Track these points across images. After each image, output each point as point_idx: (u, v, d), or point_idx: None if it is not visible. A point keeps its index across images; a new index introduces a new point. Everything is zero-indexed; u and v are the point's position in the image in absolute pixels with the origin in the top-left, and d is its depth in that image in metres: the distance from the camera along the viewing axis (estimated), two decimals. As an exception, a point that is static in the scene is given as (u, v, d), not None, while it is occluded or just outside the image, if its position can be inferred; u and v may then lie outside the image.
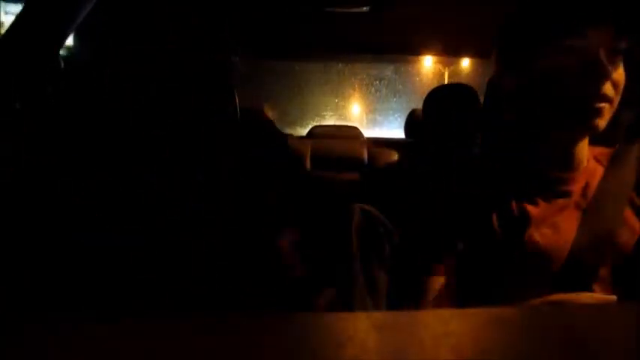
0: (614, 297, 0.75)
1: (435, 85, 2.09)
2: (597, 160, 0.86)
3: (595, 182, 0.82)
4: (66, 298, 0.76)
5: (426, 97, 1.92)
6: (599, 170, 0.84)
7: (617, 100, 0.76)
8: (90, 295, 0.76)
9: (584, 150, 0.84)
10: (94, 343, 0.48)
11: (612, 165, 0.84)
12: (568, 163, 0.83)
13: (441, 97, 1.86)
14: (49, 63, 1.00)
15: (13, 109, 0.94)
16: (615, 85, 0.75)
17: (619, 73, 0.76)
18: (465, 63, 4.82)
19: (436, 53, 2.44)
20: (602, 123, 0.75)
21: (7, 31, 1.00)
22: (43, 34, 0.99)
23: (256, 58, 2.77)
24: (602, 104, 0.74)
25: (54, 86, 1.01)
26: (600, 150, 0.87)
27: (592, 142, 0.86)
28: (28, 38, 0.98)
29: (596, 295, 0.76)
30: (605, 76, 0.73)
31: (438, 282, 0.83)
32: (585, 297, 0.74)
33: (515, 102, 0.84)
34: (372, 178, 2.15)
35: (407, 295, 0.85)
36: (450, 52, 2.32)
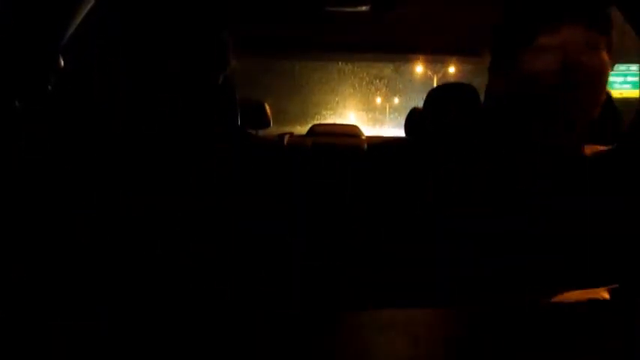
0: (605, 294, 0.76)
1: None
2: (597, 158, 0.86)
3: (593, 180, 0.83)
4: (73, 297, 0.76)
5: (426, 97, 1.93)
6: (598, 168, 0.85)
7: (599, 92, 0.77)
8: (94, 295, 0.76)
9: (581, 148, 0.85)
10: (95, 343, 0.49)
11: (610, 163, 0.85)
12: (565, 162, 0.84)
13: (442, 96, 1.86)
14: (49, 62, 1.00)
15: (13, 108, 0.94)
16: (594, 78, 0.76)
17: (597, 66, 0.77)
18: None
19: (436, 53, 2.44)
20: (579, 116, 0.77)
21: (7, 31, 0.99)
22: (43, 33, 0.99)
23: (256, 58, 2.76)
24: (575, 99, 0.76)
25: (54, 86, 1.01)
26: (599, 148, 0.87)
27: (591, 141, 0.86)
28: (28, 38, 0.98)
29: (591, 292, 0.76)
30: (578, 72, 0.74)
31: None
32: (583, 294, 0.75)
33: (507, 103, 0.85)
34: (370, 173, 2.14)
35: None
36: (450, 51, 2.32)
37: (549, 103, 0.77)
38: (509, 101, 0.84)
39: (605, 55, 0.77)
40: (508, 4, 0.84)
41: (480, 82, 0.99)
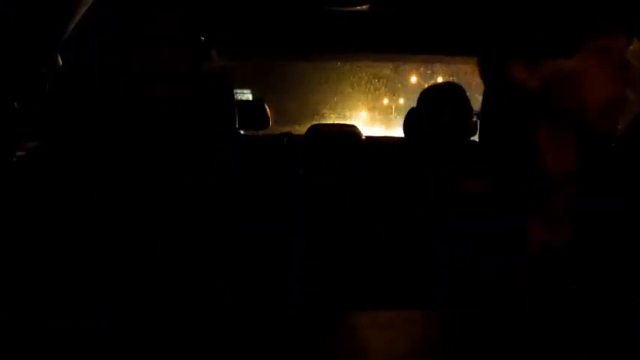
0: None
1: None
2: (597, 158, 0.86)
3: (589, 185, 0.83)
4: (70, 297, 0.76)
5: (419, 97, 1.95)
6: (596, 173, 0.84)
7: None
8: (94, 294, 0.76)
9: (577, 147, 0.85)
10: (93, 343, 0.49)
11: (609, 163, 0.85)
12: (561, 159, 0.84)
13: (435, 96, 1.88)
14: (47, 62, 1.00)
15: (13, 108, 0.94)
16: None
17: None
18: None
19: (436, 53, 2.44)
20: (617, 124, 0.77)
21: (7, 31, 0.99)
22: (41, 33, 0.99)
23: (255, 57, 2.76)
24: (623, 106, 0.75)
25: (53, 86, 1.00)
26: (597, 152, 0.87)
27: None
28: (28, 38, 0.98)
29: None
30: (631, 79, 0.74)
31: None
32: None
33: (525, 100, 0.83)
34: (370, 172, 2.15)
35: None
36: (450, 51, 2.32)
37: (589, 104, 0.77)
38: (529, 99, 0.83)
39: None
40: (561, 4, 0.81)
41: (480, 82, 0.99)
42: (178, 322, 0.60)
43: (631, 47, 0.76)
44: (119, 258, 0.78)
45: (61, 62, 1.05)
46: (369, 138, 2.86)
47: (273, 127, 2.83)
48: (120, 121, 0.89)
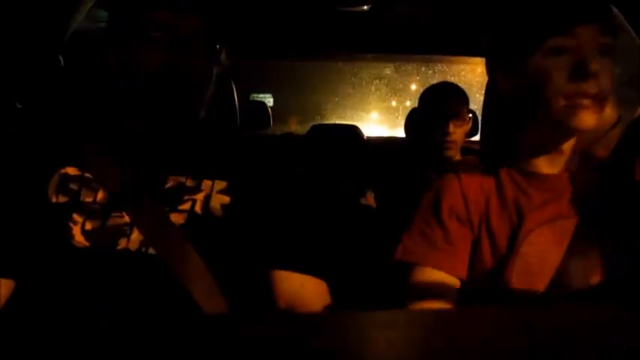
0: None
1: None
2: (592, 166, 0.86)
3: (587, 190, 0.83)
4: (69, 300, 0.76)
5: (420, 97, 1.96)
6: (594, 176, 0.84)
7: (605, 99, 0.77)
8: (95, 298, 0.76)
9: (574, 150, 0.86)
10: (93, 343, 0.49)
11: (605, 173, 0.85)
12: (556, 162, 0.84)
13: (436, 97, 1.89)
14: (49, 62, 1.00)
15: (13, 108, 0.94)
16: (603, 84, 0.76)
17: (607, 72, 0.77)
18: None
19: (436, 53, 2.45)
20: (589, 121, 0.76)
21: (7, 30, 0.99)
22: (42, 33, 0.99)
23: (256, 58, 2.77)
24: (588, 102, 0.75)
25: (54, 86, 1.01)
26: (595, 156, 0.87)
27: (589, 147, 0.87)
28: (28, 38, 0.98)
29: None
30: (591, 74, 0.74)
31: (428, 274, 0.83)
32: None
33: (511, 103, 0.85)
34: (371, 172, 2.16)
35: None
36: (450, 51, 2.32)
37: (554, 102, 0.77)
38: (513, 102, 0.84)
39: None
40: (518, 5, 0.83)
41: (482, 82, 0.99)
42: (178, 321, 0.60)
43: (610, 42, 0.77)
44: (119, 258, 0.78)
45: (62, 62, 1.06)
46: (370, 138, 2.87)
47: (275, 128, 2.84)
48: (120, 121, 0.89)
